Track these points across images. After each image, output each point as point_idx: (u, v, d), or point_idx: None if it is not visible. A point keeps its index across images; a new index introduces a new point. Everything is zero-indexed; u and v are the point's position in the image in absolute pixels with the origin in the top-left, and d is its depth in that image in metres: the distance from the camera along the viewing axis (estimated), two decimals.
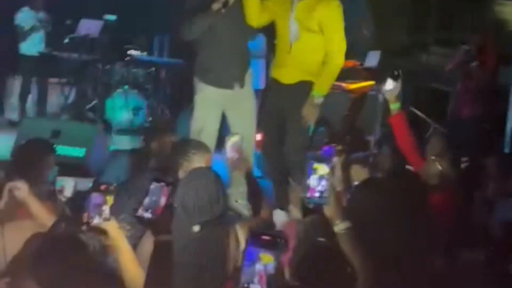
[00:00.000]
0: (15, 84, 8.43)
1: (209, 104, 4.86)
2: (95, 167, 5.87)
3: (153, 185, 2.55)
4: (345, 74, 7.72)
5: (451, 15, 11.81)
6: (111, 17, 7.92)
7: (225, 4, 4.43)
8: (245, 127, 4.80)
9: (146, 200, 2.52)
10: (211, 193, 2.79)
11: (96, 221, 2.45)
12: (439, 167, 3.74)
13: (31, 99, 8.40)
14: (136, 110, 8.77)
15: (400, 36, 11.21)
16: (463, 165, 4.28)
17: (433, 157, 3.85)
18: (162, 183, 2.55)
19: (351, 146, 7.21)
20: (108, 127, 8.25)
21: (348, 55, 8.04)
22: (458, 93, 7.31)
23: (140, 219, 2.52)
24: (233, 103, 4.88)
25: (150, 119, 8.94)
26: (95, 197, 2.47)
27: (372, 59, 7.45)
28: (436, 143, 4.74)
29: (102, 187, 2.50)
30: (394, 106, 4.02)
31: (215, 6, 4.45)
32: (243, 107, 4.94)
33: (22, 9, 8.24)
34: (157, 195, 2.54)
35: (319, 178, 2.55)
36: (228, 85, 4.82)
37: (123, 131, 8.48)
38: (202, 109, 4.87)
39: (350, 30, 9.11)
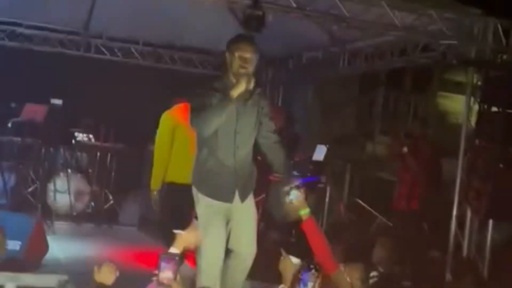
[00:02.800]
0: None
1: (211, 215, 4.33)
2: (33, 260, 5.62)
3: None
4: (293, 168, 7.77)
5: (395, 105, 12.16)
6: (57, 101, 7.80)
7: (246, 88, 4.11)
8: (244, 244, 4.44)
9: None
10: None
11: None
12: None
13: None
14: (78, 194, 8.57)
15: (347, 126, 11.42)
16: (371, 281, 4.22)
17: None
18: None
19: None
20: (48, 212, 8.01)
21: (296, 148, 8.20)
22: (398, 184, 7.31)
23: None
24: (235, 216, 4.42)
25: (93, 204, 8.76)
26: None
27: (320, 152, 7.51)
28: (381, 249, 4.70)
29: None
30: (304, 212, 4.03)
31: (234, 92, 4.09)
32: (244, 222, 4.47)
33: None
34: None
35: None
36: (227, 199, 4.36)
37: (64, 217, 8.25)
38: (205, 221, 4.33)
39: (297, 123, 9.34)
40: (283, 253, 3.80)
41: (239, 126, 4.28)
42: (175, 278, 3.02)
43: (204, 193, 4.33)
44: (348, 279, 3.69)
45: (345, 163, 9.81)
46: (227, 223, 4.37)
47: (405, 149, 6.68)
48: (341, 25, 6.07)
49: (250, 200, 4.49)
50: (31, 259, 5.63)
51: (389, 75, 11.55)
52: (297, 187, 4.05)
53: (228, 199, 4.32)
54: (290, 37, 8.36)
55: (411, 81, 12.22)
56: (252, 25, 5.75)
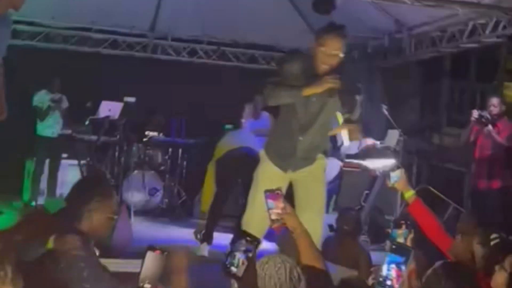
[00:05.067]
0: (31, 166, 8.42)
1: (269, 178, 4.30)
2: (120, 247, 5.78)
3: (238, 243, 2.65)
4: (364, 153, 7.76)
5: (461, 96, 11.97)
6: (131, 99, 8.02)
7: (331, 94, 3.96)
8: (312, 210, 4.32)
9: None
10: None
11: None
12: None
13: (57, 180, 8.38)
14: (152, 191, 8.75)
15: (412, 116, 11.30)
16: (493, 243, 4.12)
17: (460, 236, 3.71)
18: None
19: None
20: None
21: (366, 133, 8.17)
22: (475, 165, 7.17)
23: (228, 272, 2.61)
24: (300, 181, 4.42)
25: (166, 200, 8.93)
26: None
27: (392, 137, 7.45)
28: (466, 220, 4.61)
29: None
30: (409, 194, 3.83)
31: (310, 91, 4.01)
32: (311, 189, 4.41)
33: (39, 92, 8.33)
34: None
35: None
36: (285, 168, 4.36)
37: (139, 213, 8.42)
38: (261, 180, 4.37)
39: (368, 109, 9.29)
40: None
41: (315, 106, 4.17)
42: (285, 211, 3.00)
43: (268, 156, 4.37)
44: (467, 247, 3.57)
45: (412, 154, 9.71)
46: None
47: (489, 127, 6.61)
48: (412, 4, 6.02)
49: (314, 175, 4.39)
50: (118, 246, 5.79)
51: (454, 64, 11.40)
52: (397, 168, 3.80)
53: (284, 168, 4.31)
54: (354, 26, 8.33)
55: (476, 70, 12.01)
56: (321, 7, 5.80)
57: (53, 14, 8.99)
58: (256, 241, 2.66)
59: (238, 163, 6.48)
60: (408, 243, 2.81)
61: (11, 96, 7.99)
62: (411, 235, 3.09)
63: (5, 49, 4.51)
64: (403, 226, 2.82)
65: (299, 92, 4.01)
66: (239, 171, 6.54)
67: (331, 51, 3.92)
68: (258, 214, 3.95)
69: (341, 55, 3.95)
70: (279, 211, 2.97)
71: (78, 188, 3.27)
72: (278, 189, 3.03)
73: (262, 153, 4.50)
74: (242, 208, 6.55)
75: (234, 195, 7.13)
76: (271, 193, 3.00)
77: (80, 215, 3.08)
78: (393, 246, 2.46)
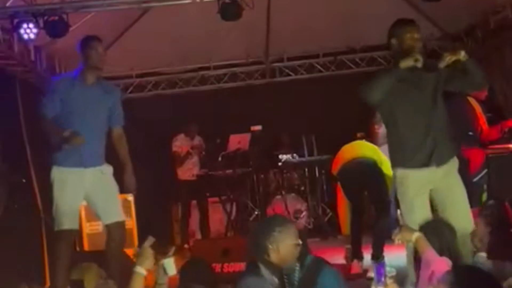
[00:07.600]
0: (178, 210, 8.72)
1: (411, 188, 4.28)
2: None
3: None
4: (509, 135, 7.21)
5: None
6: (257, 127, 8.08)
7: (416, 60, 4.16)
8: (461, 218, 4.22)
9: None
10: None
11: None
12: None
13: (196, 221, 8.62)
14: (297, 213, 8.71)
15: None
16: None
17: None
18: None
19: None
20: None
21: (503, 117, 7.62)
22: None
23: None
24: (438, 181, 4.33)
25: (313, 220, 8.85)
26: None
27: None
28: None
29: None
30: None
31: (404, 63, 4.17)
32: (446, 184, 4.34)
33: (177, 136, 8.62)
34: None
35: None
36: (425, 163, 4.28)
37: None
38: (405, 195, 4.33)
39: (503, 88, 8.71)
40: None
41: (417, 93, 4.30)
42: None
43: (404, 167, 4.31)
44: None
45: None
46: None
47: None
48: None
49: (454, 169, 4.38)
50: None
51: None
52: None
53: (426, 163, 4.24)
54: (468, 5, 7.92)
55: None
56: None
57: (171, 60, 9.31)
58: None
59: (358, 177, 6.26)
60: None
61: (149, 145, 8.35)
62: None
63: (122, 119, 4.97)
64: None
65: (396, 70, 4.22)
66: (362, 184, 6.34)
67: (415, 35, 4.30)
68: None
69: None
70: None
71: (258, 225, 3.79)
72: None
73: (396, 172, 4.41)
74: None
75: None
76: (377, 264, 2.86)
77: (265, 248, 3.36)
78: None
